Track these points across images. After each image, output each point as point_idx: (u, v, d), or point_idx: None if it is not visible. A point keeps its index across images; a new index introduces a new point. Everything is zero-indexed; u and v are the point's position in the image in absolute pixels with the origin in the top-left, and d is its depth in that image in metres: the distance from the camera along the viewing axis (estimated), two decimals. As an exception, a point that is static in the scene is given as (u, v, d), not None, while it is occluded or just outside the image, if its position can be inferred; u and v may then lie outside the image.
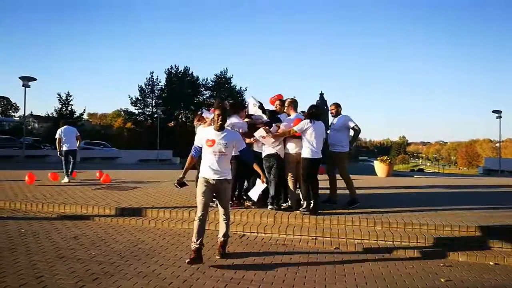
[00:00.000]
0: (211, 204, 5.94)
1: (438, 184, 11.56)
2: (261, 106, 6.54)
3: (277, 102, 6.59)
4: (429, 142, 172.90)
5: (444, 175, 26.20)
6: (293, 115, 6.11)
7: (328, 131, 6.64)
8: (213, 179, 4.09)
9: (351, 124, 6.43)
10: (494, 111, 25.91)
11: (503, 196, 9.04)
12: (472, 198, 8.19)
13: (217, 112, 4.14)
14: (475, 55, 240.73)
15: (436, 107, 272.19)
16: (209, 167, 4.11)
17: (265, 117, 6.29)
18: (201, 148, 4.19)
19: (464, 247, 4.78)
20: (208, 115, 6.27)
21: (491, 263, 4.40)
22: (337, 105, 6.73)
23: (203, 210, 4.09)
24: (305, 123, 5.60)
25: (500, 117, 25.66)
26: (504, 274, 4.06)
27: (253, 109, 6.59)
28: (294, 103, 6.26)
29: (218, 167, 4.10)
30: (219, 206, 4.32)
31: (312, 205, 5.71)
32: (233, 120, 5.89)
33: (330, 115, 6.89)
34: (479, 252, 4.61)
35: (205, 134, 4.18)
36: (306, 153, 5.63)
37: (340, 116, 6.64)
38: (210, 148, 4.09)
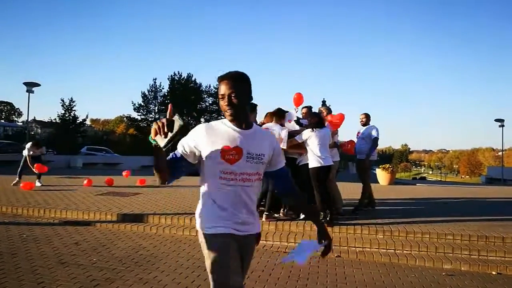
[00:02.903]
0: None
1: (440, 192, 11.54)
2: (297, 122, 6.50)
3: (304, 110, 6.59)
4: (431, 150, 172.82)
5: (446, 184, 26.10)
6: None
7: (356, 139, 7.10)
8: (237, 234, 1.87)
9: (373, 136, 6.82)
10: (496, 120, 25.88)
11: (506, 205, 9.01)
12: (474, 207, 8.16)
13: (226, 83, 1.83)
14: (478, 64, 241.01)
15: (439, 115, 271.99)
16: (230, 212, 1.84)
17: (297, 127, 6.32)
18: (192, 163, 1.86)
19: (466, 256, 4.76)
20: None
21: (493, 273, 4.37)
22: (367, 115, 7.11)
23: (233, 277, 1.82)
24: (307, 133, 5.61)
25: (503, 125, 25.63)
26: (507, 284, 4.03)
27: (290, 125, 6.33)
28: (328, 112, 6.67)
29: (248, 210, 1.89)
30: None
31: (328, 215, 5.60)
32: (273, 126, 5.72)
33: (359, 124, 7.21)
34: (481, 261, 4.59)
35: (212, 136, 1.83)
36: (312, 163, 5.58)
37: (368, 126, 7.01)
38: (231, 166, 1.81)
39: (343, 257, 4.79)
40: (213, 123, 1.92)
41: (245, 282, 2.03)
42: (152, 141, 1.67)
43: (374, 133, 6.81)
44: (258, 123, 6.26)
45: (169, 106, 1.69)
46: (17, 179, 9.78)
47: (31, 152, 9.81)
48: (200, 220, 1.90)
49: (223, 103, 1.84)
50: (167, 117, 1.65)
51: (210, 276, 1.83)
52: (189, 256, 4.58)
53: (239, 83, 1.84)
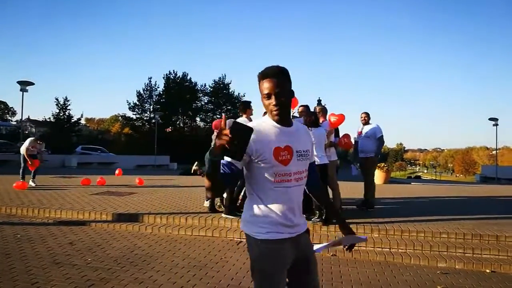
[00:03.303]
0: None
1: (435, 191, 11.60)
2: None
3: (301, 108, 6.59)
4: (426, 149, 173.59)
5: (441, 183, 26.26)
6: (324, 122, 6.42)
7: (355, 137, 7.21)
8: (289, 237, 1.79)
9: (378, 135, 6.97)
10: (490, 119, 26.02)
11: (500, 204, 9.07)
12: (468, 206, 8.21)
13: (271, 81, 1.73)
14: (472, 62, 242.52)
15: (433, 114, 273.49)
16: (285, 215, 1.76)
17: None
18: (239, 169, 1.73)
19: (461, 255, 4.79)
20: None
21: (487, 271, 4.40)
22: (367, 114, 7.24)
23: None
24: None
25: (496, 124, 25.74)
26: (501, 282, 4.06)
27: None
28: (324, 111, 6.67)
29: (298, 209, 1.83)
30: None
31: (324, 214, 5.62)
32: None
33: (360, 123, 7.31)
34: (476, 260, 4.62)
35: (260, 137, 1.70)
36: None
37: (371, 125, 7.12)
38: (286, 167, 1.74)
39: (338, 256, 4.80)
40: (256, 123, 1.78)
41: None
42: (212, 158, 1.55)
43: (379, 132, 6.95)
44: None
45: (223, 116, 1.51)
46: (21, 178, 9.55)
47: (31, 147, 9.62)
48: (250, 223, 1.80)
49: (269, 103, 1.75)
50: (223, 127, 1.49)
51: (254, 283, 1.79)
52: (185, 256, 4.57)
53: (282, 79, 1.74)
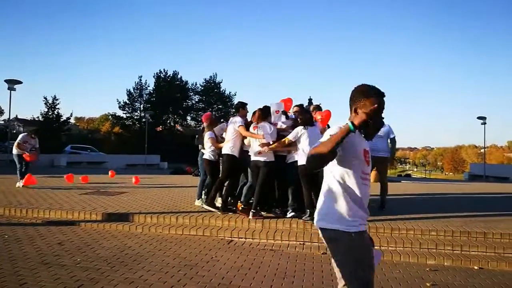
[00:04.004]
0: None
1: (424, 189, 11.72)
2: (284, 113, 6.37)
3: (296, 108, 6.54)
4: (416, 148, 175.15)
5: (431, 181, 26.55)
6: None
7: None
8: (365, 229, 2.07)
9: (392, 135, 7.01)
10: (479, 117, 26.39)
11: (487, 201, 9.21)
12: (457, 203, 8.32)
13: (382, 100, 2.07)
14: (462, 61, 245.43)
15: (423, 113, 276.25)
16: (364, 210, 2.05)
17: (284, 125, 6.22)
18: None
19: (449, 252, 4.85)
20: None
21: (475, 268, 4.47)
22: None
23: None
24: (299, 130, 5.62)
25: (484, 123, 26.12)
26: (489, 278, 4.13)
27: (277, 116, 6.22)
28: (318, 109, 6.64)
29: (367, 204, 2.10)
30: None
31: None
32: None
33: None
34: (464, 257, 4.69)
35: (355, 137, 1.98)
36: (301, 160, 5.58)
37: (384, 124, 6.98)
38: (368, 167, 2.07)
39: (329, 254, 4.82)
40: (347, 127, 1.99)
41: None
42: (352, 126, 1.83)
43: (392, 132, 6.99)
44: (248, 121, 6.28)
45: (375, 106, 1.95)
46: (19, 179, 9.24)
47: (23, 142, 9.18)
48: (341, 220, 1.97)
49: (376, 114, 2.00)
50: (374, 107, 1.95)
51: (354, 274, 1.93)
52: (176, 255, 4.56)
53: None
